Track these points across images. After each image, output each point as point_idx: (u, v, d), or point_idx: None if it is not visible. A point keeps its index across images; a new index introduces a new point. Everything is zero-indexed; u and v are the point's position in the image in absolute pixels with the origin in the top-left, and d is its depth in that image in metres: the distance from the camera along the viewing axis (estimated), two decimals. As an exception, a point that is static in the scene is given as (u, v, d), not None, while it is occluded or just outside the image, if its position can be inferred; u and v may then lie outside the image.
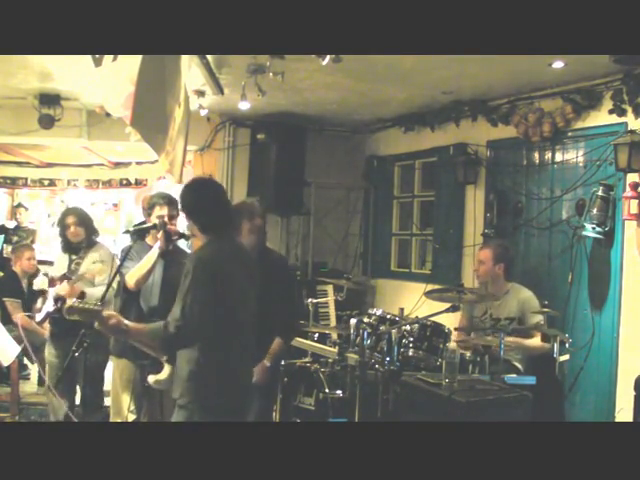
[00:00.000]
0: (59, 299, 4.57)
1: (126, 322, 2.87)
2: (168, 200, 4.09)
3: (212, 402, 2.84)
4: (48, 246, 9.51)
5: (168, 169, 4.30)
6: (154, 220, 3.99)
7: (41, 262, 7.20)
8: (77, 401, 4.74)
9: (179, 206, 3.19)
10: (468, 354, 4.26)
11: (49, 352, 4.67)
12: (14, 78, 5.41)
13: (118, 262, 4.31)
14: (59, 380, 4.30)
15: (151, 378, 3.25)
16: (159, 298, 3.88)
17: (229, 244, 3.03)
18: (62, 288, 4.44)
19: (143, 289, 3.95)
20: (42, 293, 4.91)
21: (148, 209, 4.12)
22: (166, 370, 3.18)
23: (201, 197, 3.01)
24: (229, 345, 2.90)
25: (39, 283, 4.88)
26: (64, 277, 4.58)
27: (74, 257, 4.65)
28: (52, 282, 4.73)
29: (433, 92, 5.55)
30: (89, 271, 4.51)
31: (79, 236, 4.64)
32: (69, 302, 3.05)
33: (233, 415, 2.87)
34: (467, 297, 4.12)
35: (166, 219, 3.99)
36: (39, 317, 4.83)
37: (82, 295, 4.42)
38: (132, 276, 3.90)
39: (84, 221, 4.71)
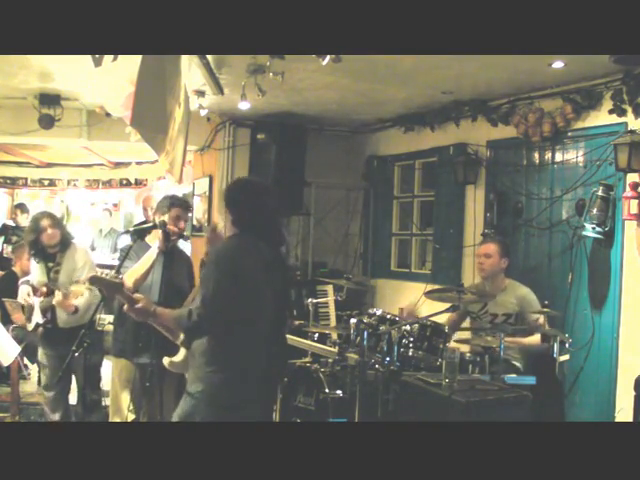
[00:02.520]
0: (47, 310, 4.46)
1: (154, 306, 2.98)
2: (187, 205, 4.14)
3: (220, 396, 2.88)
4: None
5: (168, 169, 4.31)
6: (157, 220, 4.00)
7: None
8: (72, 401, 4.74)
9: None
10: (468, 354, 4.26)
11: (42, 353, 4.63)
12: (14, 78, 5.40)
13: (118, 262, 4.30)
14: (58, 380, 4.29)
15: (166, 360, 3.27)
16: (158, 297, 3.88)
17: (251, 242, 3.07)
18: (58, 302, 4.30)
19: (142, 289, 3.95)
20: (25, 304, 4.74)
21: (164, 208, 4.07)
22: (181, 353, 3.21)
23: (241, 193, 3.14)
24: (244, 340, 2.93)
25: (24, 294, 4.68)
26: (47, 287, 4.46)
27: (51, 264, 4.52)
28: (35, 291, 4.60)
29: (433, 92, 5.54)
30: (74, 293, 4.33)
31: (55, 238, 4.49)
32: (94, 273, 3.17)
33: (239, 411, 2.89)
34: (467, 297, 4.12)
35: (166, 219, 3.99)
36: (30, 327, 4.73)
37: (76, 310, 4.36)
38: (130, 276, 3.90)
39: (58, 223, 4.60)
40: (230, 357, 2.91)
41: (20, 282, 4.95)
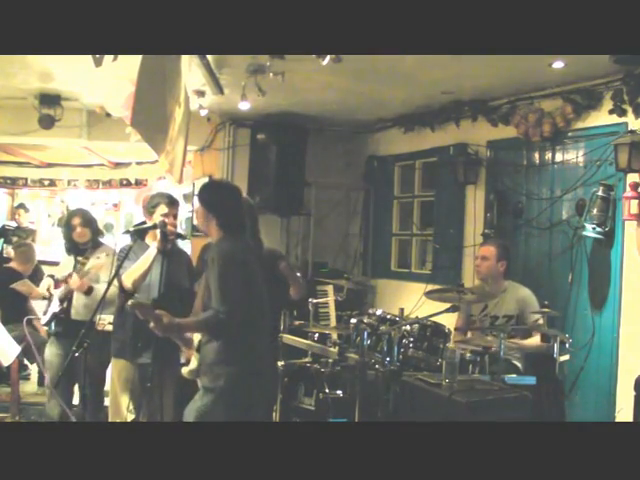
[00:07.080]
0: (64, 300, 4.56)
1: (176, 319, 3.14)
2: (171, 200, 4.12)
3: (238, 386, 3.10)
4: (48, 246, 9.51)
5: (168, 169, 4.30)
6: (156, 219, 3.99)
7: (41, 262, 7.20)
8: (75, 401, 4.74)
9: (198, 202, 3.39)
10: (468, 354, 4.26)
11: (51, 352, 4.63)
12: (14, 78, 5.40)
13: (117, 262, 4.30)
14: (59, 380, 4.29)
15: (184, 370, 3.45)
16: (157, 297, 3.87)
17: (242, 240, 3.33)
18: (73, 281, 4.41)
19: (141, 289, 3.94)
20: (48, 297, 4.88)
21: (150, 208, 4.11)
22: (194, 360, 3.32)
23: (224, 196, 3.37)
24: (253, 331, 3.18)
25: (45, 286, 4.86)
26: (69, 277, 4.57)
27: (80, 258, 4.62)
28: (57, 284, 4.71)
29: (433, 92, 5.54)
30: (93, 266, 4.46)
31: (85, 237, 4.63)
32: (133, 299, 3.35)
33: (254, 398, 3.17)
34: (467, 297, 4.12)
35: (166, 219, 3.98)
36: (44, 320, 4.80)
37: (90, 290, 4.42)
38: (129, 277, 3.89)
39: (90, 222, 4.70)
40: (244, 352, 3.12)
41: (47, 275, 5.07)
